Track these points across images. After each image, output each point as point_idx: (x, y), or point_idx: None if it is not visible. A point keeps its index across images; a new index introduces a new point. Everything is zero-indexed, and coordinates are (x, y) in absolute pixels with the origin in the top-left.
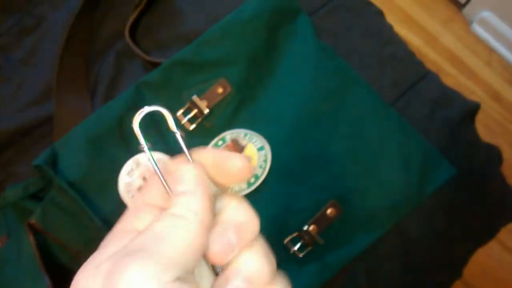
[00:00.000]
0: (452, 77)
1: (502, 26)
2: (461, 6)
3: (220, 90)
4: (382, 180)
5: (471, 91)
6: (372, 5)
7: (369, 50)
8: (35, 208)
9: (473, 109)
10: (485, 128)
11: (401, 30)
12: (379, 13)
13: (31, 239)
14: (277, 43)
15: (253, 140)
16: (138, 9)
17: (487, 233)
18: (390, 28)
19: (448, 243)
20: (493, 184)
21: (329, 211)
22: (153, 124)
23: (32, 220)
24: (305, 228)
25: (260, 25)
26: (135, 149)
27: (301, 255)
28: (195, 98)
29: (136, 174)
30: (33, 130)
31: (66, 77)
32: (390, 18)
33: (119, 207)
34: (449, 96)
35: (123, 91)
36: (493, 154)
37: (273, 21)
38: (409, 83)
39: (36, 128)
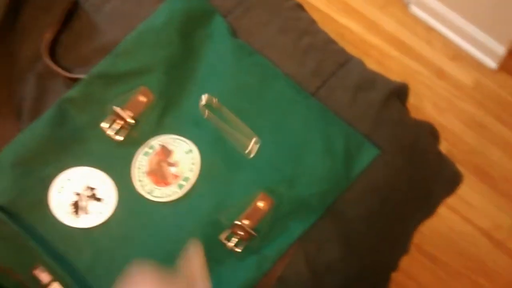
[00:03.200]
0: (396, 60)
1: (437, 4)
2: None
3: (142, 98)
4: (308, 168)
5: (415, 71)
6: None
7: (287, 43)
8: None
9: (398, 89)
10: (434, 105)
11: (341, 19)
12: (297, 6)
13: None
14: (194, 46)
15: (181, 145)
16: (54, 29)
17: (426, 208)
18: (308, 19)
19: (387, 221)
20: (426, 159)
21: (260, 203)
22: None
23: None
24: (237, 223)
25: (174, 31)
26: (64, 166)
27: (239, 250)
28: (118, 109)
29: (67, 190)
30: None
31: None
32: (329, 8)
33: (54, 225)
34: (371, 79)
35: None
36: (423, 131)
37: (187, 25)
38: (330, 71)
39: None
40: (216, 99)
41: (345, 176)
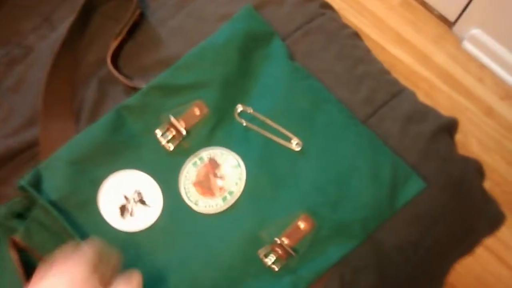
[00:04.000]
0: (445, 94)
1: (492, 43)
2: (451, 24)
3: (197, 111)
4: (353, 194)
5: (464, 107)
6: (347, 27)
7: (342, 70)
8: (19, 226)
9: (448, 124)
10: (480, 144)
11: (393, 49)
12: (354, 34)
13: (13, 255)
14: (251, 66)
15: (229, 159)
16: (119, 38)
17: (466, 245)
18: (364, 48)
19: (425, 255)
20: (470, 196)
21: (301, 224)
22: None
23: (16, 237)
24: (277, 241)
25: (234, 49)
26: (115, 169)
27: (276, 268)
28: (173, 119)
29: (117, 192)
30: (21, 153)
31: (52, 102)
32: (382, 38)
33: (100, 226)
34: (423, 111)
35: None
36: (470, 167)
37: (247, 45)
38: (382, 100)
39: (24, 151)
40: (251, 109)
41: (389, 205)
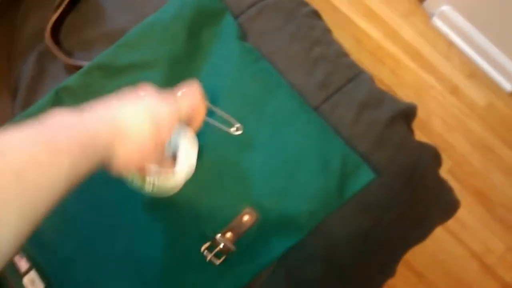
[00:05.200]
0: (411, 71)
1: (461, 20)
2: (422, 0)
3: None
4: (300, 185)
5: (429, 85)
6: (306, 5)
7: (297, 52)
8: None
9: (405, 110)
10: (443, 123)
11: (362, 23)
12: (313, 13)
13: None
14: (200, 44)
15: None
16: (60, 9)
17: (419, 233)
18: (323, 28)
19: (376, 243)
20: (425, 183)
21: (244, 218)
22: None
23: None
24: (218, 236)
25: (181, 27)
26: None
27: (217, 263)
28: None
29: None
30: None
31: None
32: (351, 11)
33: None
34: (378, 97)
35: (44, 92)
36: (426, 154)
37: (196, 22)
38: (338, 85)
39: None
40: None
41: (337, 196)
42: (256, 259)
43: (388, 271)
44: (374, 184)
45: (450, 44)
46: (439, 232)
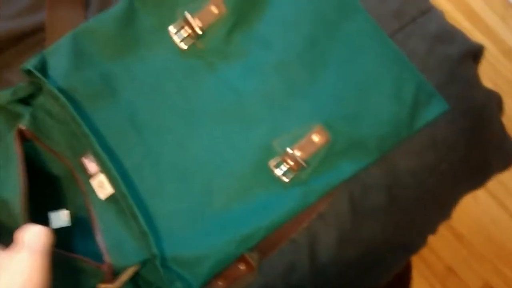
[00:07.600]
0: (465, 31)
1: None
2: None
3: (214, 9)
4: (372, 109)
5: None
6: None
7: None
8: (24, 112)
9: (476, 49)
10: (494, 85)
11: None
12: None
13: (18, 149)
14: None
15: None
16: None
17: (480, 177)
18: None
19: (438, 181)
20: (490, 128)
21: (315, 137)
22: None
23: (23, 127)
24: (289, 151)
25: None
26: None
27: (286, 180)
28: (188, 16)
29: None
30: (26, 38)
31: None
32: None
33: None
34: (451, 33)
35: (117, 2)
36: (493, 99)
37: None
38: (411, 16)
39: (29, 36)
40: None
41: (408, 124)
42: (324, 179)
43: (446, 212)
44: (442, 119)
45: (509, 5)
46: (484, 196)
